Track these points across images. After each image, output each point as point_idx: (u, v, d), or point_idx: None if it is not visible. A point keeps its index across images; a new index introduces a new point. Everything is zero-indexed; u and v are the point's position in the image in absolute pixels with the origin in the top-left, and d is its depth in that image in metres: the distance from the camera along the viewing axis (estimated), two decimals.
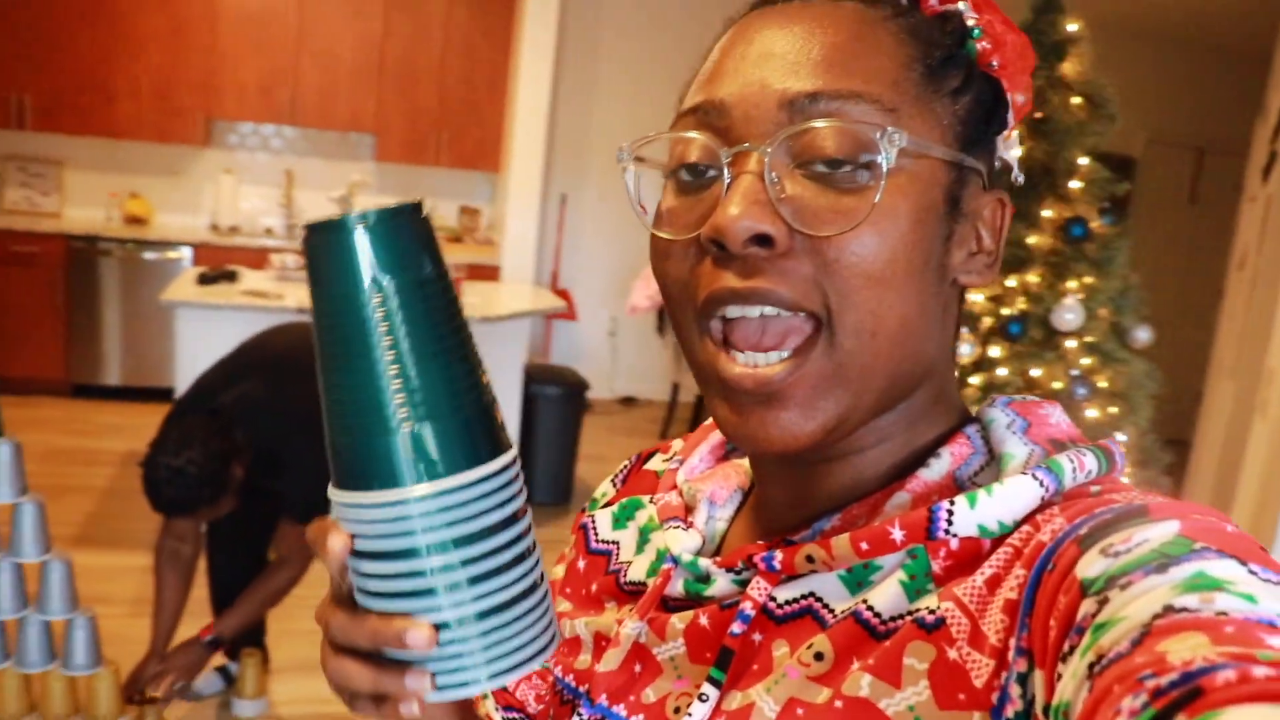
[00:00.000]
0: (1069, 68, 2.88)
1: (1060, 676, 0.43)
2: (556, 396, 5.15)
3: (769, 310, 0.55)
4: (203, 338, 4.21)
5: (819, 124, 0.53)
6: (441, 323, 0.49)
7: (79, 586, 2.37)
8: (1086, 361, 2.86)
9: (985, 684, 0.49)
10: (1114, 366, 2.86)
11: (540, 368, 5.39)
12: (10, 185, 6.29)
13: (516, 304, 4.92)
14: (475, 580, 0.50)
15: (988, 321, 2.82)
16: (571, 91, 7.03)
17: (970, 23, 0.59)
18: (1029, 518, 0.53)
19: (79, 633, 2.30)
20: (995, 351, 2.79)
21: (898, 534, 0.55)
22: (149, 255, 6.04)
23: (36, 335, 5.93)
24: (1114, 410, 2.84)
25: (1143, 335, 2.93)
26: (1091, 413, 2.83)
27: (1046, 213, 2.88)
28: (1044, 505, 0.53)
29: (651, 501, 0.74)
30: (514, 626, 0.52)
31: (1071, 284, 2.80)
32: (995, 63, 0.59)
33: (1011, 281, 2.82)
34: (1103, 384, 2.86)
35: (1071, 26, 2.87)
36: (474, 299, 4.83)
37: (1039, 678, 0.46)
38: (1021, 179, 0.65)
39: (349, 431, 0.49)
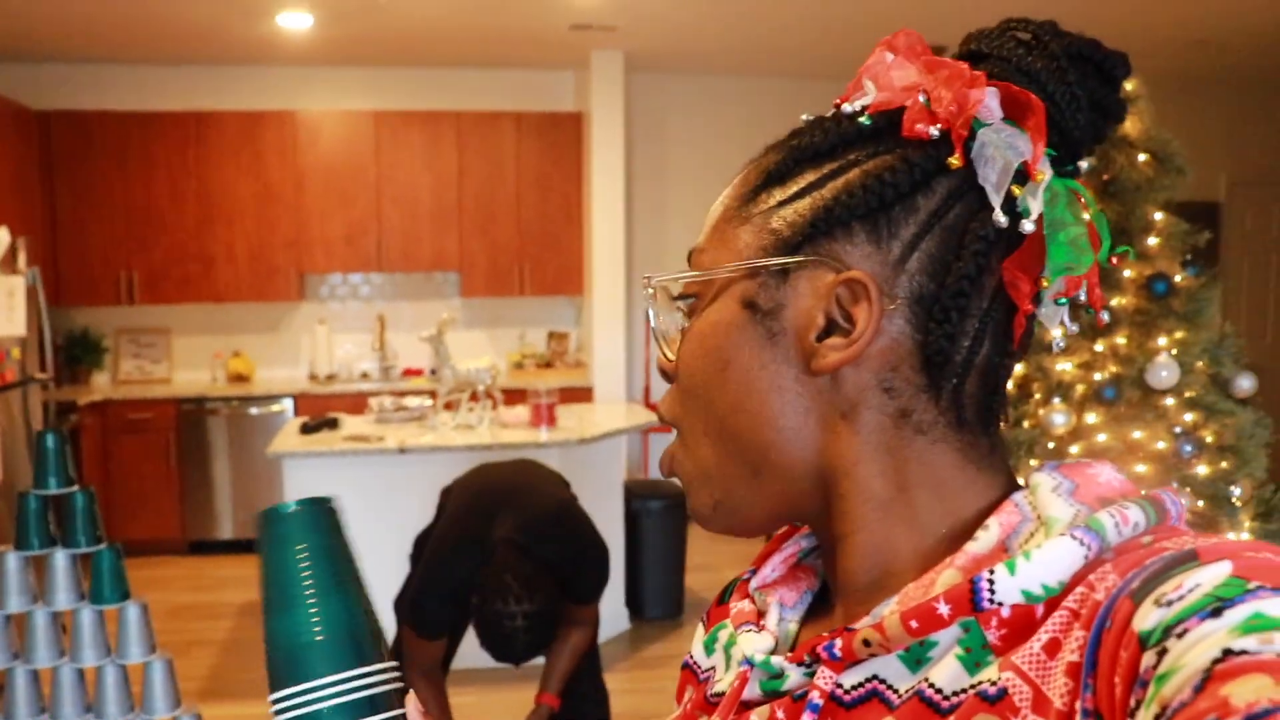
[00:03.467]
0: (1130, 126, 2.87)
1: None
2: (659, 510, 5.15)
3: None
4: (310, 485, 4.33)
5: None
6: (336, 572, 0.71)
7: None
8: (1189, 418, 2.78)
9: None
10: (1219, 419, 2.78)
11: (640, 483, 5.41)
12: (124, 357, 6.63)
13: (611, 423, 4.98)
14: None
15: (1080, 389, 2.77)
16: (644, 210, 7.19)
17: (849, 110, 0.63)
18: (1082, 578, 0.52)
19: None
20: (1092, 418, 2.74)
21: (943, 608, 0.55)
22: (253, 410, 6.28)
23: (153, 497, 6.17)
24: (1225, 465, 2.75)
25: (1245, 383, 2.84)
26: (1201, 469, 2.74)
27: (1127, 273, 2.84)
28: (1095, 563, 0.52)
29: (729, 619, 0.76)
30: None
31: (1162, 340, 2.74)
32: (923, 126, 0.59)
33: (1099, 346, 2.78)
34: (1209, 438, 2.78)
35: (1127, 86, 2.87)
36: (569, 422, 4.89)
37: None
38: (1032, 228, 0.59)
39: (281, 650, 0.70)
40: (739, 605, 0.73)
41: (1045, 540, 0.55)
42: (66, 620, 2.37)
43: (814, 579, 0.73)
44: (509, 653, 2.49)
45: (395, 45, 6.26)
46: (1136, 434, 2.77)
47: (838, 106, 0.66)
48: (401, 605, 2.82)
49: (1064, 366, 2.77)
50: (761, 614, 0.72)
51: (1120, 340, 2.78)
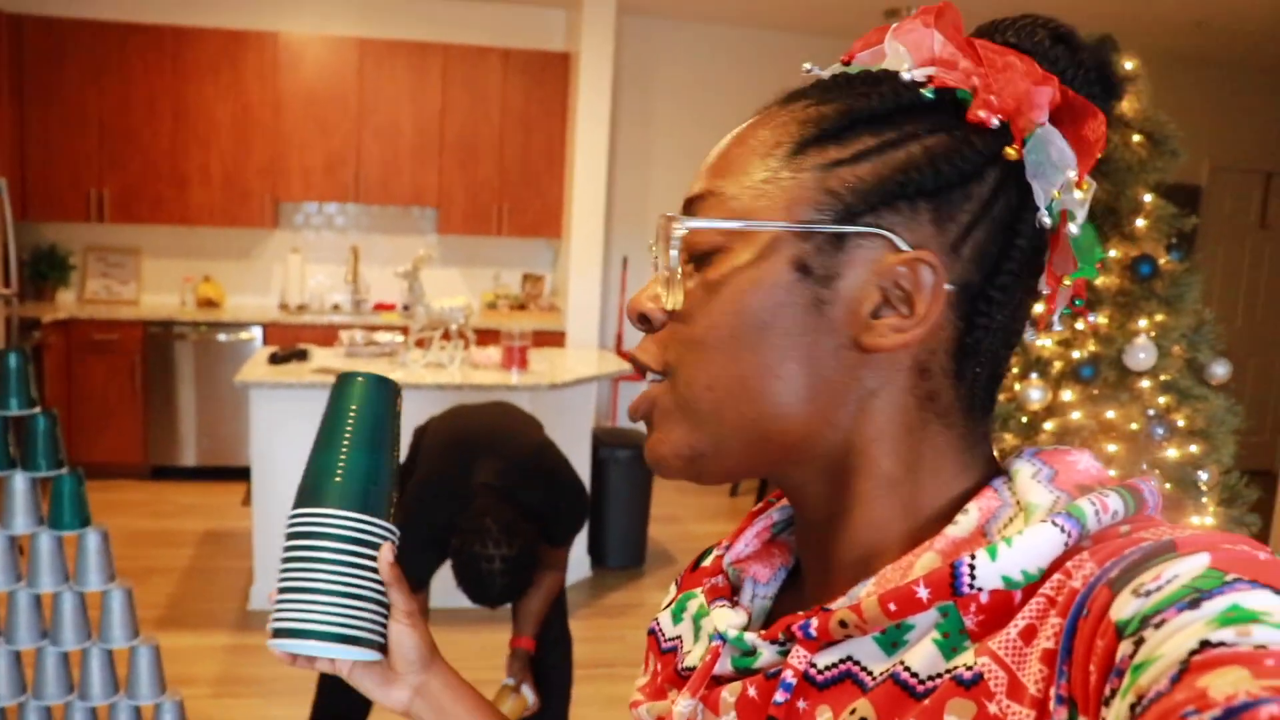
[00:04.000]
0: (1127, 105, 2.85)
1: None
2: (626, 459, 5.15)
3: (643, 369, 0.67)
4: (276, 416, 4.30)
5: (657, 225, 0.64)
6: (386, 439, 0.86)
7: (166, 669, 2.41)
8: (1163, 400, 2.79)
9: None
10: (1192, 404, 2.79)
11: (609, 431, 5.40)
12: (92, 276, 6.51)
13: (583, 369, 4.95)
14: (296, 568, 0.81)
15: (1058, 365, 2.76)
16: (628, 156, 7.12)
17: (909, 79, 0.61)
18: (1059, 565, 0.53)
19: (166, 717, 2.33)
20: (1068, 395, 2.74)
21: (923, 592, 0.55)
22: (222, 337, 6.20)
23: (116, 420, 6.10)
24: (1195, 449, 2.77)
25: (1220, 370, 2.85)
26: (1171, 452, 2.75)
27: (1112, 253, 2.83)
28: (1073, 551, 0.53)
29: (701, 590, 0.77)
30: (306, 607, 0.80)
31: (1142, 323, 2.74)
32: (984, 114, 0.59)
33: (1080, 324, 2.77)
34: (1181, 422, 2.79)
35: (1128, 64, 2.84)
36: (541, 366, 4.87)
37: None
38: (1077, 231, 0.62)
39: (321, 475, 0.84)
40: (712, 581, 0.75)
41: (1025, 526, 0.56)
42: (24, 544, 2.34)
43: (788, 555, 0.74)
44: (486, 595, 2.49)
45: None
46: (1110, 414, 2.77)
47: (846, 63, 0.66)
48: None
49: (1044, 343, 2.76)
50: (735, 589, 0.74)
51: (1101, 320, 2.77)
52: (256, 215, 6.44)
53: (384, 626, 0.83)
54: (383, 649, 0.84)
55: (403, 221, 7.01)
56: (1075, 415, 2.75)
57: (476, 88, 6.58)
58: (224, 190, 6.36)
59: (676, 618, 0.78)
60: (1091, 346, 2.77)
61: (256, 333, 6.24)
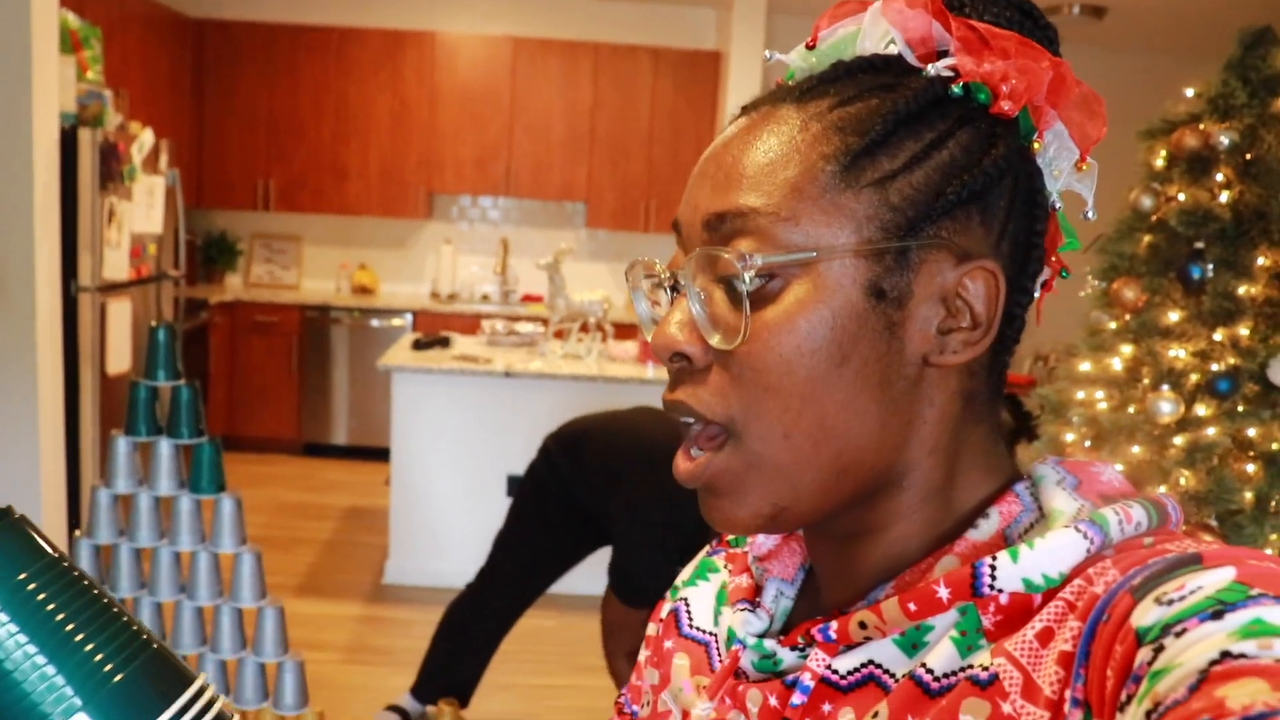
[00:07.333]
0: None
1: None
2: None
3: (689, 419, 0.60)
4: (416, 400, 4.46)
5: (697, 252, 0.59)
6: (61, 611, 0.49)
7: (299, 633, 2.54)
8: None
9: None
10: None
11: None
12: (257, 261, 6.88)
13: None
14: None
15: (1194, 378, 2.64)
16: None
17: (945, 75, 0.58)
18: (1081, 571, 0.52)
19: (288, 675, 2.46)
20: (1202, 410, 2.61)
21: (943, 592, 0.55)
22: (374, 322, 6.46)
23: (274, 398, 6.44)
24: None
25: None
26: None
27: (1260, 260, 2.69)
28: (1095, 558, 0.53)
29: (726, 567, 0.77)
30: None
31: None
32: (1008, 106, 0.58)
33: (1219, 335, 2.64)
34: None
35: None
36: None
37: None
38: (1094, 215, 0.63)
39: None
40: (737, 580, 0.73)
41: (1049, 531, 0.55)
42: (167, 506, 2.50)
43: (805, 552, 0.73)
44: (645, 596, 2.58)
45: None
46: (1251, 431, 2.64)
47: (810, 47, 0.64)
48: (615, 582, 2.87)
49: (1177, 353, 2.65)
50: (759, 588, 0.72)
51: (1243, 331, 2.64)
52: (411, 206, 6.69)
53: None
54: None
55: (553, 215, 7.16)
56: (1210, 431, 2.62)
57: (626, 86, 6.67)
58: (381, 182, 6.63)
59: (690, 581, 0.79)
60: (1231, 359, 2.65)
61: (407, 319, 6.48)
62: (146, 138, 4.42)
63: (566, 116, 6.68)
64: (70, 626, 0.48)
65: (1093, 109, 0.60)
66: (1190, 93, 2.77)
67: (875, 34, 0.61)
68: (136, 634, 0.51)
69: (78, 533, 2.47)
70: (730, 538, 0.81)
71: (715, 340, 0.57)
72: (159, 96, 5.92)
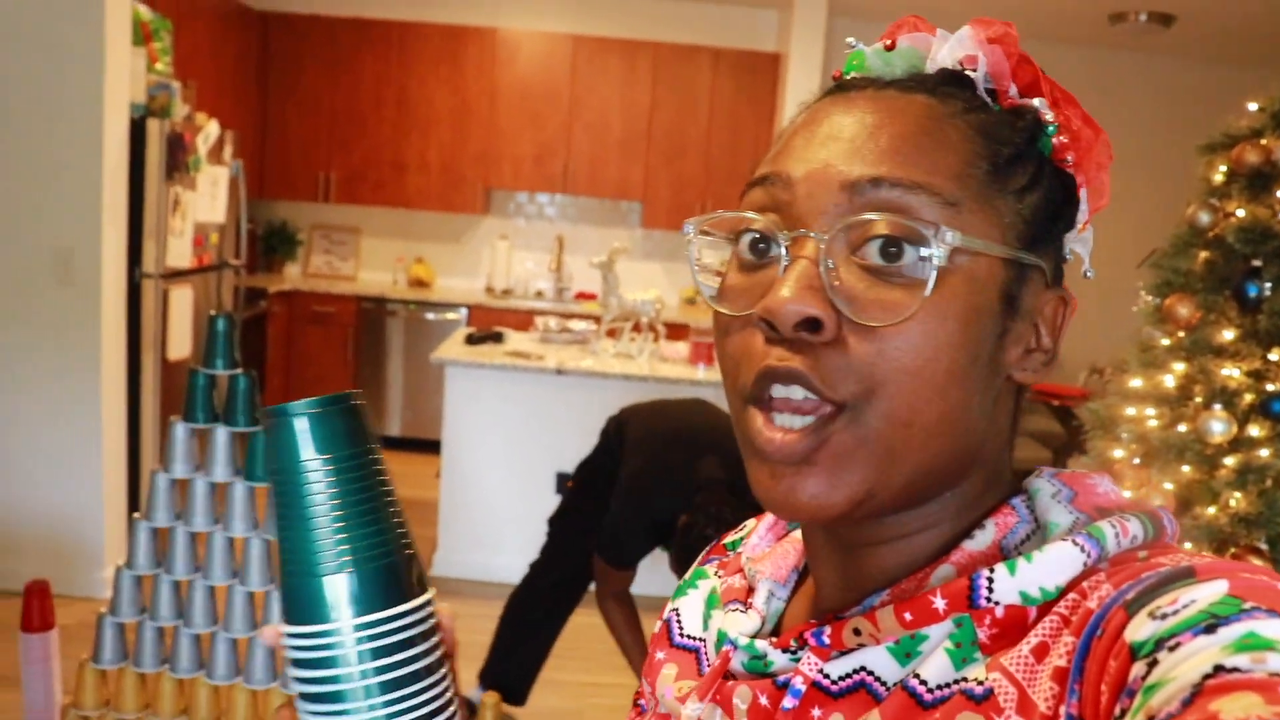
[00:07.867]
0: None
1: None
2: None
3: (805, 394, 0.56)
4: (468, 394, 4.51)
5: (875, 217, 0.55)
6: (363, 491, 0.60)
7: None
8: None
9: None
10: None
11: None
12: (316, 251, 6.99)
13: None
14: (384, 696, 0.60)
15: (1247, 398, 2.60)
16: None
17: (1047, 117, 0.60)
18: (1075, 585, 0.52)
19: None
20: (1255, 431, 2.57)
21: (940, 603, 0.55)
22: (430, 315, 6.54)
23: (329, 387, 6.51)
24: None
25: None
26: None
27: None
28: (1090, 572, 0.53)
29: (717, 574, 0.77)
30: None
31: None
32: (1070, 158, 0.60)
33: (1274, 355, 2.60)
34: None
35: None
36: None
37: None
38: (1092, 273, 0.66)
39: (288, 576, 0.61)
40: (730, 580, 0.74)
41: (1045, 544, 0.55)
42: (222, 492, 2.56)
43: (801, 555, 0.73)
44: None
45: None
46: None
47: (889, 48, 0.66)
48: (601, 540, 2.98)
49: (1230, 372, 2.61)
50: (751, 589, 0.72)
51: None
52: (469, 201, 6.75)
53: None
54: None
55: (609, 214, 7.19)
56: (1263, 453, 2.58)
57: (685, 86, 6.68)
58: (440, 176, 6.70)
59: (680, 591, 0.79)
60: None
61: (462, 313, 6.54)
62: (212, 129, 4.51)
63: (625, 115, 6.71)
64: (368, 505, 0.60)
65: (1104, 181, 0.64)
66: (1254, 107, 2.72)
67: (953, 53, 0.63)
68: (406, 534, 0.62)
69: (136, 515, 2.54)
70: (727, 540, 0.82)
71: (866, 315, 0.54)
72: (225, 88, 6.03)
